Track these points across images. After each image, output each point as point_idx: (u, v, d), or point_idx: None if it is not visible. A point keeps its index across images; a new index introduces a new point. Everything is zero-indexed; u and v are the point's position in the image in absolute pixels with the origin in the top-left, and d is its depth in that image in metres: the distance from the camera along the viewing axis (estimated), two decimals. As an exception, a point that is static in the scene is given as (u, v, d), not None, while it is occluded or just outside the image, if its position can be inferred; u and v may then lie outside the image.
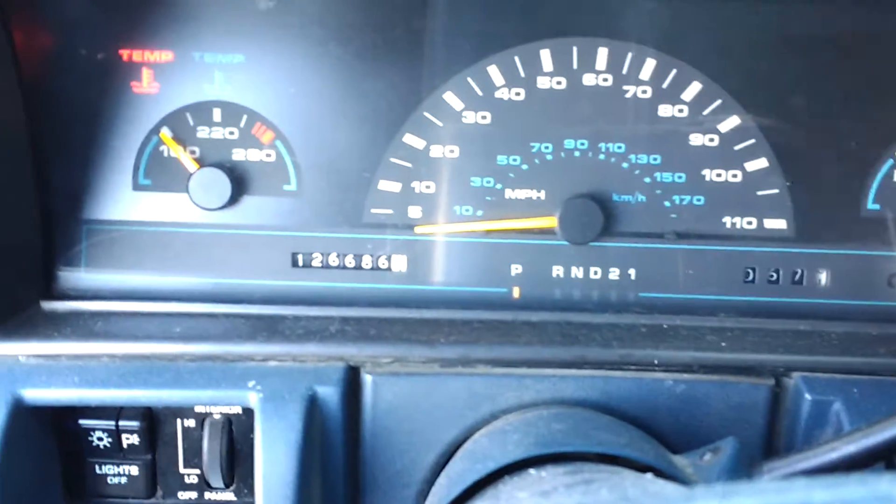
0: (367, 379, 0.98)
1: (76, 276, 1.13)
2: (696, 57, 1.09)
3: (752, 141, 1.10)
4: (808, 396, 0.97)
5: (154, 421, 1.00)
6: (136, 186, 1.12)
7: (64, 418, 0.99)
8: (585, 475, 0.76)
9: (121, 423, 0.99)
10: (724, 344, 1.02)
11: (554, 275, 1.13)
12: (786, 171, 1.10)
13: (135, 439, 0.99)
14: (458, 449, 0.96)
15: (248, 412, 0.97)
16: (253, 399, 0.95)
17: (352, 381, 0.98)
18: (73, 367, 0.98)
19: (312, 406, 0.95)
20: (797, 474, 0.80)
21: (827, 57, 1.09)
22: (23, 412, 0.94)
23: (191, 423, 1.00)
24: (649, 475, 0.78)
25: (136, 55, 1.10)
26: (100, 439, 0.99)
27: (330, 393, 0.96)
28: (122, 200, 1.12)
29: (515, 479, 0.81)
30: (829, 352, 1.02)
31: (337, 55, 1.10)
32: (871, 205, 1.10)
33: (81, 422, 0.99)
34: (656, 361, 0.99)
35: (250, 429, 0.96)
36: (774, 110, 1.09)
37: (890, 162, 1.10)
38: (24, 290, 1.09)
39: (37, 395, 0.95)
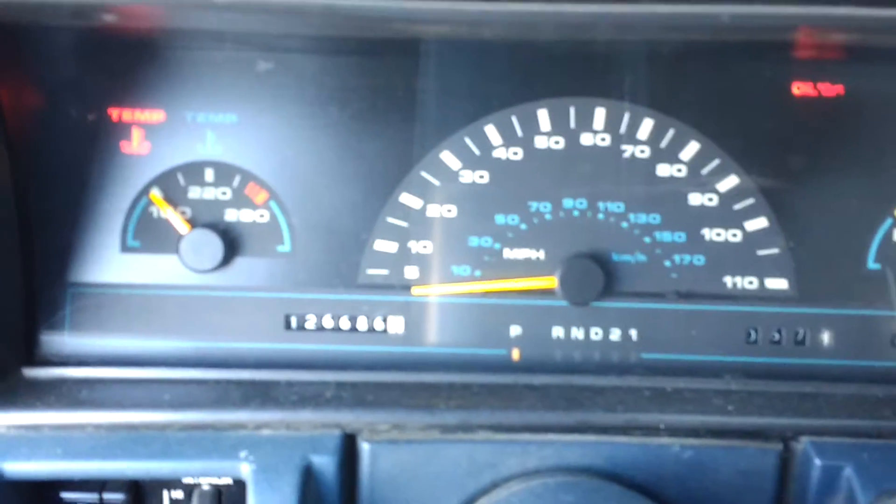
0: (365, 447, 0.95)
1: (60, 341, 1.09)
2: (693, 117, 1.09)
3: (752, 200, 1.10)
4: (817, 462, 0.95)
5: (140, 493, 0.97)
6: (125, 248, 1.09)
7: (45, 490, 0.95)
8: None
9: (105, 495, 0.95)
10: (730, 407, 1.00)
11: (554, 336, 1.11)
12: (786, 231, 1.10)
13: (119, 513, 0.95)
14: (460, 521, 0.93)
15: (240, 483, 0.93)
16: (245, 470, 0.91)
17: (348, 449, 0.95)
18: (55, 438, 0.94)
19: (307, 477, 0.91)
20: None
21: (825, 117, 1.09)
22: (1, 486, 0.90)
23: (178, 494, 0.97)
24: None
25: (127, 115, 1.08)
26: (82, 513, 0.95)
27: (326, 463, 0.93)
28: (109, 262, 1.09)
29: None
30: (836, 414, 1.00)
31: (333, 115, 1.09)
32: (872, 264, 1.10)
33: (63, 495, 0.96)
34: (662, 426, 0.97)
35: (242, 501, 0.92)
36: (773, 170, 1.09)
37: (889, 221, 1.10)
38: (4, 357, 1.05)
39: (17, 468, 0.91)
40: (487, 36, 0.79)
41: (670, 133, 1.09)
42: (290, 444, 0.94)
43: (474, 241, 1.11)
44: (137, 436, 0.94)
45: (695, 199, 1.10)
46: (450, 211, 1.11)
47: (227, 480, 0.95)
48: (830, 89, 1.09)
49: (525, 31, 0.75)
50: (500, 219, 1.11)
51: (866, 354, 1.10)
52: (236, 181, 1.10)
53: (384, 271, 1.11)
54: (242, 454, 0.92)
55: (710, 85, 1.09)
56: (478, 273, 1.11)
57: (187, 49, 1.06)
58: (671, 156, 1.10)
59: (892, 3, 0.58)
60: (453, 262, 1.11)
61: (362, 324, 1.11)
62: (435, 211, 1.10)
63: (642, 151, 1.10)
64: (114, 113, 1.08)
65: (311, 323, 1.11)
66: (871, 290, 1.10)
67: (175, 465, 0.93)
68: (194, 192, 1.10)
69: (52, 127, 1.07)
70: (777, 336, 1.11)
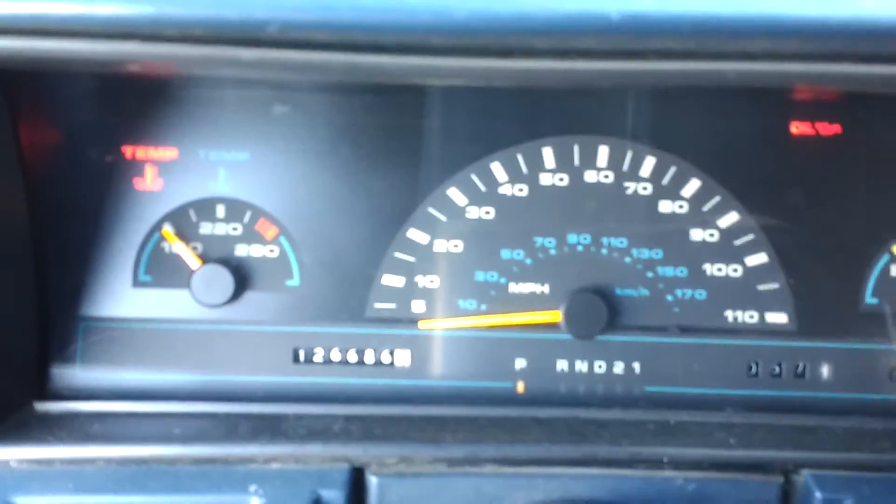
0: (373, 480, 0.96)
1: (71, 375, 1.10)
2: (694, 155, 1.11)
3: (752, 237, 1.12)
4: (818, 494, 0.96)
5: (151, 527, 0.97)
6: (136, 283, 1.11)
7: (56, 525, 0.95)
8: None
9: (116, 530, 0.95)
10: (732, 440, 1.02)
11: (559, 369, 1.13)
12: (785, 266, 1.12)
13: (130, 547, 0.95)
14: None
15: (250, 518, 0.94)
16: (255, 504, 0.92)
17: (357, 483, 0.96)
18: (67, 472, 0.95)
19: (317, 510, 0.93)
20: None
21: (823, 155, 1.12)
22: (13, 521, 0.90)
23: (189, 528, 0.97)
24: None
25: (140, 153, 1.10)
26: (93, 548, 0.95)
27: (334, 497, 0.94)
28: (120, 297, 1.11)
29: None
30: (836, 448, 1.02)
31: (342, 153, 1.11)
32: (870, 298, 1.12)
33: (75, 530, 0.95)
34: (666, 459, 0.98)
35: (252, 535, 0.93)
36: (772, 207, 1.11)
37: (886, 256, 1.12)
38: (16, 391, 1.06)
39: (29, 502, 0.91)
40: (498, 86, 0.81)
41: (672, 171, 1.11)
42: (299, 478, 0.95)
43: (480, 276, 1.13)
44: (148, 470, 0.95)
45: (696, 234, 1.12)
46: (456, 246, 1.13)
47: (238, 514, 0.96)
48: (828, 129, 1.11)
49: (536, 84, 0.77)
50: (505, 254, 1.12)
51: (865, 388, 1.12)
52: (247, 217, 1.11)
53: (392, 305, 1.12)
54: (252, 488, 0.93)
55: (711, 124, 1.12)
56: (483, 307, 1.13)
57: (200, 88, 1.08)
58: (673, 193, 1.12)
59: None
60: (459, 297, 1.12)
61: (370, 357, 1.12)
62: (442, 246, 1.12)
63: (644, 188, 1.12)
64: (128, 151, 1.10)
65: (319, 356, 1.12)
66: (870, 324, 1.12)
67: (186, 499, 0.94)
68: (206, 228, 1.11)
69: (68, 165, 1.08)
70: (777, 369, 1.12)
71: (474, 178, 1.12)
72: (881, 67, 0.62)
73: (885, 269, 1.12)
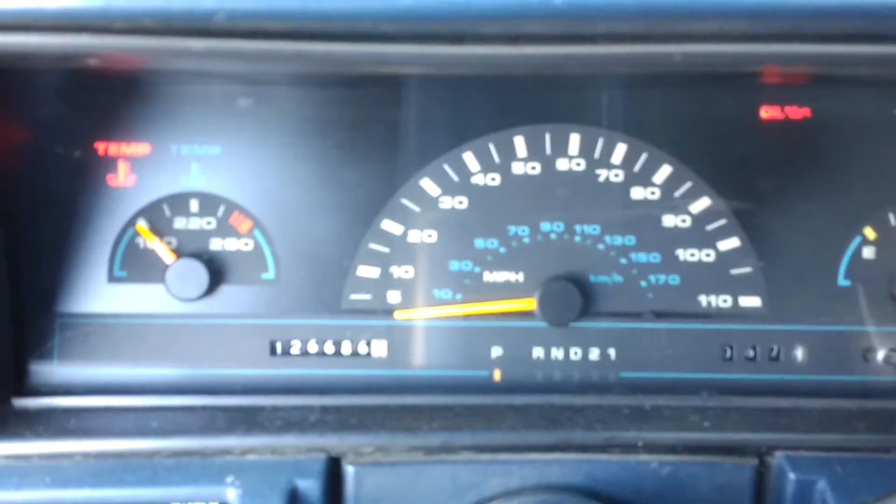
0: (350, 470, 0.97)
1: (48, 371, 1.10)
2: (665, 141, 1.12)
3: (724, 221, 1.12)
4: (791, 476, 0.97)
5: (128, 521, 0.98)
6: (111, 278, 1.11)
7: (34, 520, 0.96)
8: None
9: (94, 523, 0.96)
10: (706, 424, 1.03)
11: (534, 356, 1.13)
12: (758, 250, 1.12)
13: (107, 540, 0.96)
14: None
15: (227, 509, 0.94)
16: (231, 495, 0.93)
17: (333, 472, 0.97)
18: (45, 467, 0.96)
19: (293, 501, 0.93)
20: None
21: (794, 139, 1.12)
22: (-9, 517, 0.91)
23: (166, 521, 0.98)
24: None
25: (113, 149, 1.10)
26: (71, 541, 0.96)
27: (311, 486, 0.95)
28: (96, 293, 1.11)
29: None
30: (810, 429, 1.03)
31: (315, 146, 1.11)
32: (843, 281, 1.13)
33: (53, 524, 0.96)
34: (640, 443, 0.99)
35: (229, 526, 0.93)
36: (744, 191, 1.12)
37: (858, 238, 1.12)
38: (-6, 388, 1.07)
39: (7, 497, 0.93)
40: (460, 73, 0.82)
41: (643, 157, 1.12)
42: (275, 469, 0.96)
43: (455, 266, 1.13)
44: (126, 463, 0.96)
45: (668, 220, 1.13)
46: (430, 236, 1.13)
47: (215, 506, 0.97)
48: (798, 112, 1.12)
49: (494, 70, 0.78)
50: (479, 243, 1.13)
51: (839, 369, 1.13)
52: (221, 211, 1.12)
53: (367, 296, 1.13)
54: (229, 479, 0.94)
55: (681, 110, 1.12)
56: (459, 296, 1.13)
57: (171, 84, 1.09)
58: (644, 179, 1.12)
59: (842, 40, 0.61)
60: (435, 287, 1.13)
61: (346, 348, 1.13)
62: (416, 237, 1.13)
63: (616, 175, 1.12)
64: (100, 147, 1.10)
65: (295, 348, 1.13)
66: (842, 306, 1.13)
67: (163, 491, 0.94)
68: (180, 223, 1.11)
69: (39, 162, 1.09)
70: (751, 353, 1.13)
71: (447, 168, 1.12)
72: (827, 47, 0.62)
73: (857, 252, 1.12)
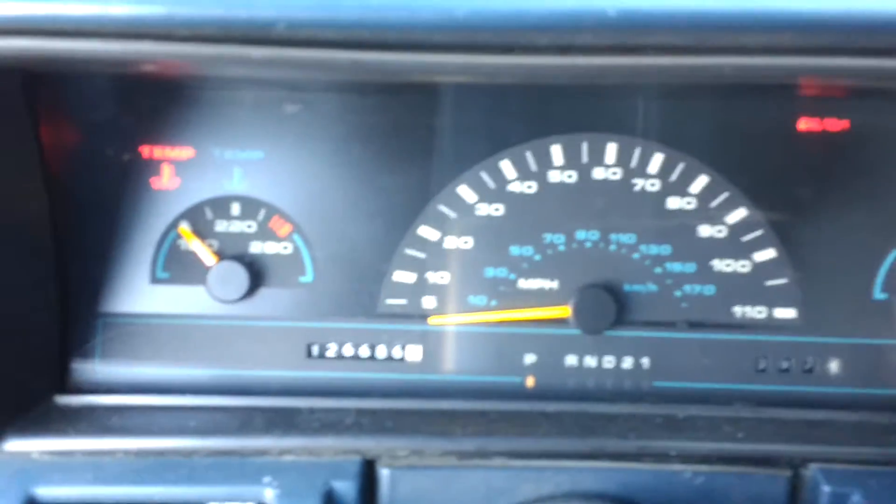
0: (385, 473, 0.98)
1: (91, 369, 1.12)
2: (702, 151, 1.12)
3: (760, 232, 1.12)
4: (825, 488, 0.96)
5: (167, 518, 0.99)
6: (154, 279, 1.13)
7: (76, 515, 0.98)
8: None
9: (134, 520, 0.97)
10: (740, 434, 1.03)
11: (567, 364, 1.14)
12: (794, 262, 1.12)
13: (147, 537, 0.98)
14: (477, 545, 0.95)
15: (264, 508, 0.96)
16: (269, 495, 0.94)
17: (368, 475, 0.98)
18: (87, 463, 0.97)
19: (329, 502, 0.94)
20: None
21: (832, 151, 1.12)
22: (35, 511, 0.93)
23: (204, 519, 0.99)
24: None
25: (158, 152, 1.13)
26: (112, 537, 0.98)
27: (347, 488, 0.96)
28: (139, 293, 1.13)
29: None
30: (845, 442, 1.02)
31: (354, 152, 1.13)
32: (879, 294, 1.12)
33: (94, 520, 0.98)
34: (674, 453, 0.99)
35: (266, 526, 0.95)
36: (780, 203, 1.12)
37: (895, 252, 1.12)
38: (38, 384, 1.09)
39: (50, 493, 0.94)
40: (503, 83, 0.83)
41: (680, 167, 1.12)
42: (311, 470, 0.97)
43: (490, 272, 1.14)
44: (165, 462, 0.97)
45: (704, 230, 1.13)
46: (466, 243, 1.14)
47: (252, 505, 0.98)
48: (836, 124, 1.12)
49: (538, 80, 0.79)
50: (514, 250, 1.14)
51: (874, 382, 1.12)
52: (261, 215, 1.13)
53: (403, 301, 1.14)
54: (266, 480, 0.95)
55: (719, 120, 1.12)
56: (493, 303, 1.14)
57: (216, 90, 1.11)
58: (681, 189, 1.13)
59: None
60: (470, 293, 1.14)
61: (381, 352, 1.14)
62: (452, 243, 1.14)
63: (653, 185, 1.13)
64: (145, 150, 1.12)
65: (331, 351, 1.14)
66: (878, 319, 1.12)
67: (201, 490, 0.95)
68: (221, 226, 1.13)
69: (88, 164, 1.11)
70: (786, 364, 1.13)
71: (484, 175, 1.13)
72: (877, 61, 0.62)
73: (894, 265, 1.12)
